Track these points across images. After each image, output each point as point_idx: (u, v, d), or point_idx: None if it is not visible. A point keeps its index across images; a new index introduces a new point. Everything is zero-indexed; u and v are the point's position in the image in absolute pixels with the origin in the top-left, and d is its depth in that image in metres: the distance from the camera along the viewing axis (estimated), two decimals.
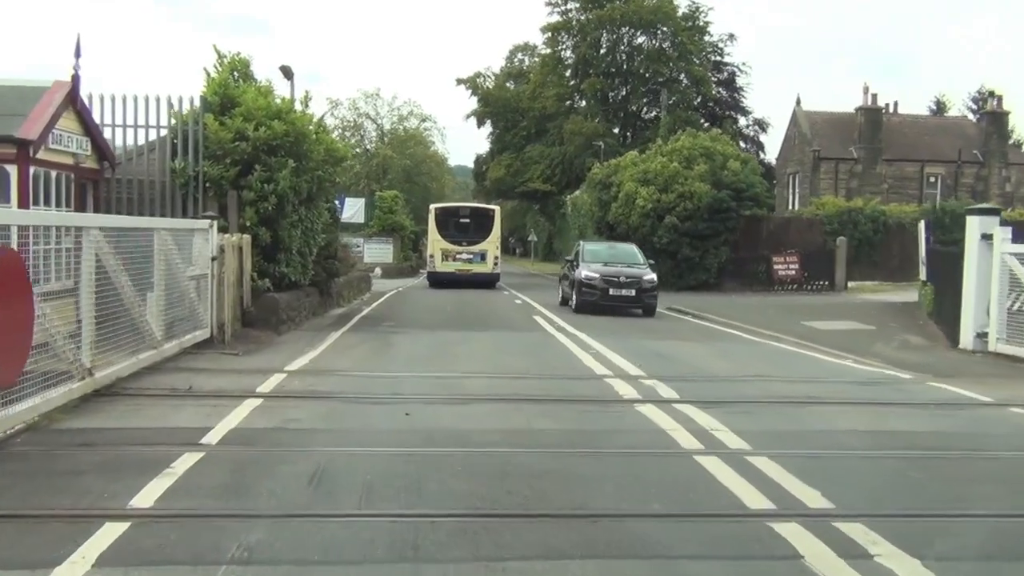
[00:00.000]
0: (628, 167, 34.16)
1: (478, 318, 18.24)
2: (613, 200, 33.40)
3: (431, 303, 22.90)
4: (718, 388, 9.35)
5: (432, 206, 34.70)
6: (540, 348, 12.59)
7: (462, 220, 32.41)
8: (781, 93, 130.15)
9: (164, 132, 13.93)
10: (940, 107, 59.87)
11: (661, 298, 27.38)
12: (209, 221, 11.53)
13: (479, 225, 32.09)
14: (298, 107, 15.60)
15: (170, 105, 13.77)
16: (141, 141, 13.85)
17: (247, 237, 13.44)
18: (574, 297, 20.07)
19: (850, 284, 29.01)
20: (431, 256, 32.50)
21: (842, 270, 28.91)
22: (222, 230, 13.37)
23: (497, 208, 35.15)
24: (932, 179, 43.48)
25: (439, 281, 30.96)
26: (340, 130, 74.36)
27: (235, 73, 15.09)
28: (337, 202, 47.93)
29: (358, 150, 75.46)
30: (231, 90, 14.33)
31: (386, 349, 12.17)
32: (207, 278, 11.50)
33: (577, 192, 46.92)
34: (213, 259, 11.59)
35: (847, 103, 70.94)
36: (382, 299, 24.05)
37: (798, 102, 45.29)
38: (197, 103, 13.85)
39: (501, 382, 9.19)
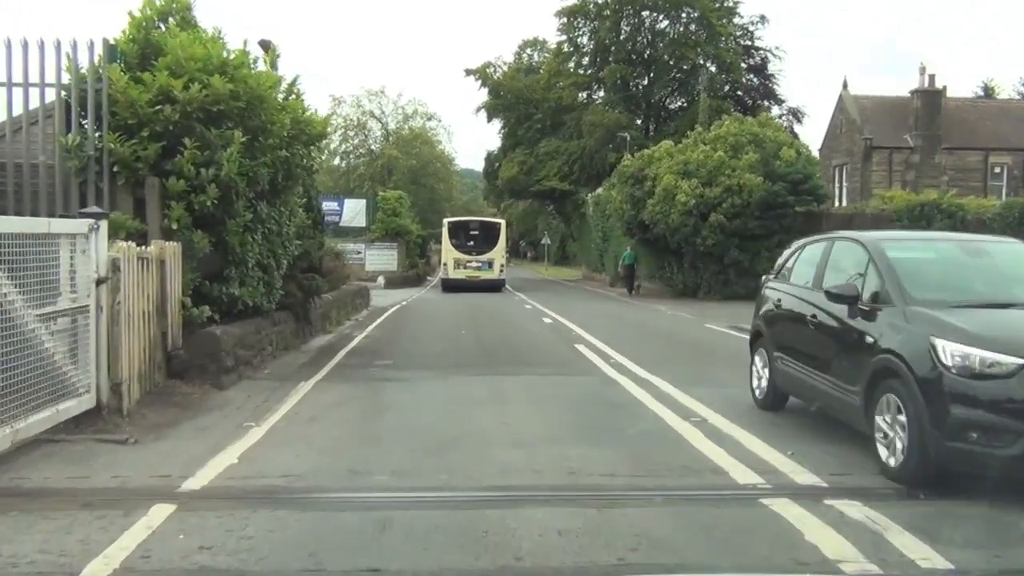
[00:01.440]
0: (663, 158, 29.87)
1: (504, 348, 13.95)
2: (648, 196, 29.08)
3: (441, 324, 18.61)
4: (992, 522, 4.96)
5: (445, 220, 37.65)
6: (612, 411, 8.21)
7: (472, 232, 35.77)
8: (813, 80, 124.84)
9: (56, 95, 9.67)
10: (988, 92, 55.28)
11: (710, 311, 23.07)
12: (90, 222, 7.23)
13: (487, 237, 35.30)
14: (261, 68, 11.26)
15: (58, 51, 9.47)
16: (19, 109, 9.60)
17: (174, 246, 9.18)
18: (906, 439, 5.55)
19: None
20: (444, 264, 35.81)
21: None
22: (138, 235, 9.16)
23: (503, 221, 38.79)
24: (997, 169, 38.95)
25: (451, 286, 33.99)
26: (344, 129, 70.66)
27: (170, 19, 10.82)
28: (336, 203, 43.92)
29: (362, 151, 71.75)
30: (154, 35, 10.06)
31: (373, 419, 7.83)
32: (89, 313, 7.22)
33: (599, 190, 42.68)
34: (99, 282, 7.30)
35: (876, 90, 66.51)
36: (381, 319, 19.75)
37: (844, 86, 40.88)
38: (100, 51, 9.57)
39: (580, 518, 4.82)
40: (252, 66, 10.70)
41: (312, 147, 11.96)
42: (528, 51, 60.84)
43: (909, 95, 38.89)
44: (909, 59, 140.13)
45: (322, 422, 7.57)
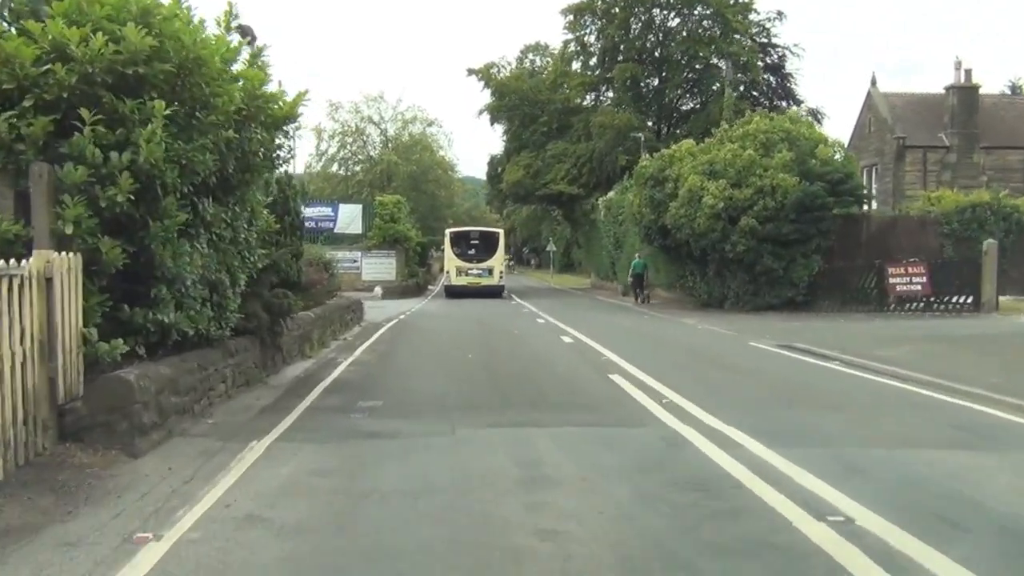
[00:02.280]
0: (685, 158, 27.26)
1: (524, 380, 11.24)
2: (671, 198, 26.43)
3: (444, 345, 15.96)
4: None
5: (447, 230, 40.14)
6: (703, 500, 5.47)
7: (472, 241, 37.75)
8: (819, 77, 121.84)
9: None
10: (1015, 90, 52.74)
11: (744, 325, 20.28)
12: None
13: (486, 246, 37.25)
14: (213, 30, 8.62)
15: None
16: None
17: (68, 259, 6.55)
18: None
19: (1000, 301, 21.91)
20: (447, 272, 38.06)
21: (991, 284, 21.82)
22: (22, 243, 6.57)
23: (501, 231, 41.29)
24: None
25: (454, 292, 35.87)
26: (342, 135, 68.35)
27: None
28: (330, 209, 41.32)
29: (361, 157, 69.35)
30: None
31: (341, 524, 5.06)
32: None
33: (611, 193, 40.08)
34: None
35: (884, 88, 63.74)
36: (374, 338, 17.13)
37: (873, 82, 38.38)
38: None
39: None
40: (200, 29, 8.10)
41: (277, 131, 9.29)
42: (531, 55, 58.23)
43: (944, 91, 36.34)
44: (916, 56, 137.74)
45: (260, 530, 4.88)
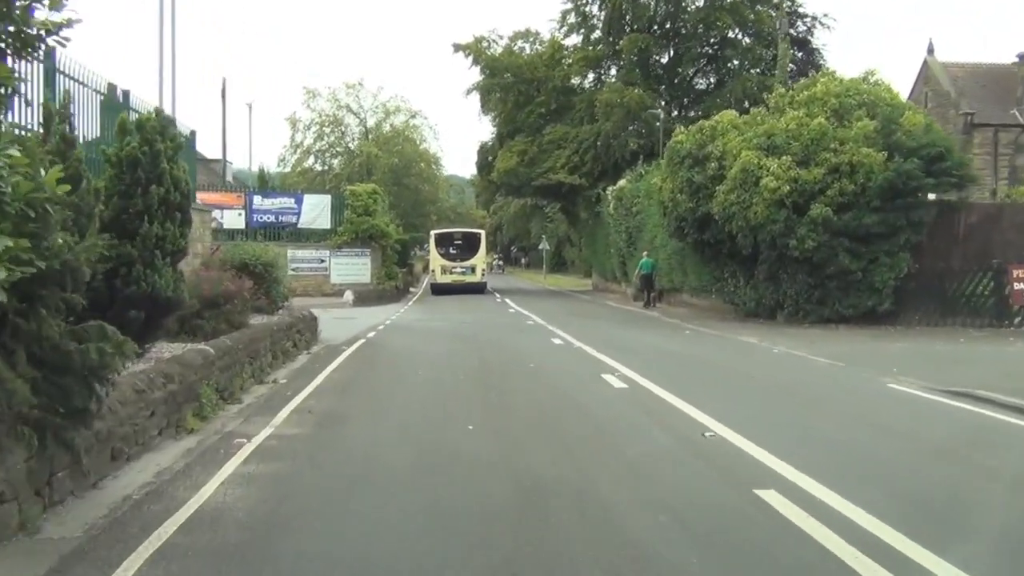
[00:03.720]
0: (729, 131, 21.70)
1: (590, 513, 5.42)
2: (715, 181, 20.83)
3: (425, 395, 10.13)
4: None
5: (432, 232, 42.06)
6: None
7: (456, 241, 39.61)
8: (846, 56, 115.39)
9: None
10: None
11: (828, 345, 14.00)
12: None
13: (469, 245, 39.24)
14: None
15: None
16: None
17: None
18: None
19: None
20: (432, 271, 39.94)
21: None
22: None
23: (483, 231, 44.32)
24: None
25: (440, 290, 37.36)
26: (319, 125, 62.45)
27: None
28: (293, 201, 35.42)
29: (339, 148, 63.55)
30: None
31: None
32: None
33: (621, 182, 34.42)
34: None
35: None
36: (321, 377, 11.28)
37: (930, 51, 32.82)
38: None
39: None
40: None
41: None
42: (520, 43, 52.31)
43: (1017, 61, 30.98)
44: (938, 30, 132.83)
45: None
